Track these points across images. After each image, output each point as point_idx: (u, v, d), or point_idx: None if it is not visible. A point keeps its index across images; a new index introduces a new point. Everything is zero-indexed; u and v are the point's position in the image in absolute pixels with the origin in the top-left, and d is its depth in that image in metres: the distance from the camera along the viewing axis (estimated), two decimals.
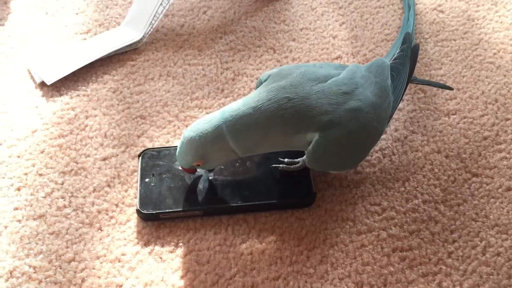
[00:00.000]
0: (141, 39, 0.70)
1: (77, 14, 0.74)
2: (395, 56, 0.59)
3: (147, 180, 0.56)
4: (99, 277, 0.50)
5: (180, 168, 0.57)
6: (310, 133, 0.50)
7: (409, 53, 0.59)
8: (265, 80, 0.54)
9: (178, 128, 0.62)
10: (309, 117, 0.50)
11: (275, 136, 0.51)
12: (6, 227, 0.53)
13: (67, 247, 0.52)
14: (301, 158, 0.57)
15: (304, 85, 0.51)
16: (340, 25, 0.74)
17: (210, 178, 0.56)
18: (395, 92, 0.56)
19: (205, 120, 0.51)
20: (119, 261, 0.51)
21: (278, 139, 0.51)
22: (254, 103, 0.50)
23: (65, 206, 0.55)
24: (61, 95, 0.65)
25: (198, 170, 0.55)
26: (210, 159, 0.52)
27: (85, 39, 0.71)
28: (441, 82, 0.67)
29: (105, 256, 0.52)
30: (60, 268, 0.51)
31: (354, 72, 0.54)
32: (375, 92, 0.53)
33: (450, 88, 0.64)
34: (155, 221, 0.54)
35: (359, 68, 0.55)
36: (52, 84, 0.65)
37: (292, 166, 0.56)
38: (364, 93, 0.52)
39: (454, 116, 0.64)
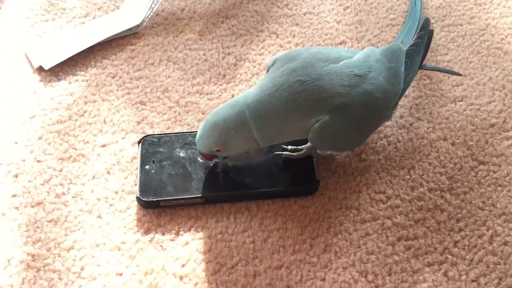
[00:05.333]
0: (140, 23, 0.68)
1: None
2: (411, 42, 0.58)
3: (147, 167, 0.55)
4: (98, 266, 0.49)
5: (180, 155, 0.56)
6: (322, 116, 0.49)
7: (425, 40, 0.58)
8: (272, 65, 0.52)
9: (179, 114, 0.61)
10: (322, 100, 0.49)
11: (293, 123, 0.49)
12: (3, 214, 0.52)
13: (66, 235, 0.51)
14: (304, 146, 0.55)
15: (315, 65, 0.50)
16: (344, 10, 0.72)
17: (211, 165, 0.55)
18: (406, 79, 0.55)
19: (228, 105, 0.50)
20: (119, 249, 0.50)
21: (296, 125, 0.50)
22: (269, 89, 0.49)
23: (63, 193, 0.54)
24: (59, 80, 0.63)
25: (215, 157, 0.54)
26: (231, 146, 0.50)
27: (83, 23, 0.69)
28: (447, 67, 0.66)
29: (104, 244, 0.51)
30: (59, 256, 0.50)
31: (368, 55, 0.53)
32: (388, 78, 0.52)
33: (459, 74, 0.62)
34: (156, 208, 0.53)
35: (374, 51, 0.54)
36: (50, 69, 0.64)
37: (295, 154, 0.55)
38: (377, 77, 0.51)
39: (461, 102, 0.62)
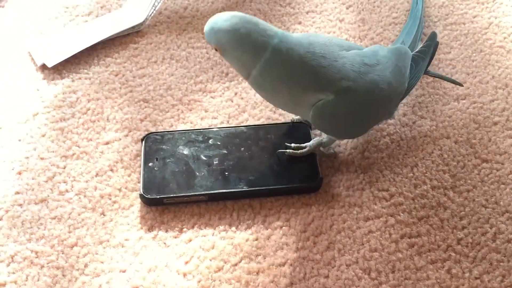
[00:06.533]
0: (143, 21, 0.68)
1: None
2: (418, 49, 0.59)
3: (150, 164, 0.55)
4: (102, 262, 0.49)
5: (184, 153, 0.56)
6: (326, 94, 0.49)
7: (431, 51, 0.59)
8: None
9: (182, 112, 0.61)
10: (332, 79, 0.49)
11: (297, 87, 0.49)
12: (7, 211, 0.52)
13: (69, 232, 0.51)
14: (308, 143, 0.56)
15: (333, 48, 0.50)
16: (347, 8, 0.72)
17: (215, 163, 0.55)
18: (410, 82, 0.56)
19: (263, 28, 0.47)
20: (122, 246, 0.51)
21: (296, 91, 0.49)
22: (304, 46, 0.48)
23: (67, 191, 0.54)
24: (62, 78, 0.63)
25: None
26: (229, 55, 0.49)
27: (86, 21, 0.69)
28: (450, 66, 0.66)
29: (108, 241, 0.51)
30: (63, 253, 0.50)
31: (376, 50, 0.54)
32: (394, 74, 0.53)
33: (460, 84, 0.62)
34: (159, 206, 0.53)
35: (382, 48, 0.55)
36: (53, 67, 0.64)
37: (298, 151, 0.55)
38: (384, 71, 0.52)
39: (464, 101, 0.62)
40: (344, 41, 0.54)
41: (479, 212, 0.53)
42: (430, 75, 0.62)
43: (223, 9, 0.71)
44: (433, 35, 0.60)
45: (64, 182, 0.54)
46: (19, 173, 0.55)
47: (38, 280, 0.48)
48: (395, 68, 0.53)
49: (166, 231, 0.52)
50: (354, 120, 0.52)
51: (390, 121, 0.60)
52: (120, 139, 0.58)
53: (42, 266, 0.49)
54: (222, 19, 0.48)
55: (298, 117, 0.59)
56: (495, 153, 0.58)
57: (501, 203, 0.54)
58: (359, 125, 0.53)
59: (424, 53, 0.58)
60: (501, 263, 0.50)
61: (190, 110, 0.61)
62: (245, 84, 0.64)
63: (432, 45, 0.59)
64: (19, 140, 0.58)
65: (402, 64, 0.54)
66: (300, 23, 0.70)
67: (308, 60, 0.48)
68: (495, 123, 0.60)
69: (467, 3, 0.73)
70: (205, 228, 0.52)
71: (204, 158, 0.55)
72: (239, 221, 0.52)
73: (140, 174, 0.55)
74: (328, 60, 0.49)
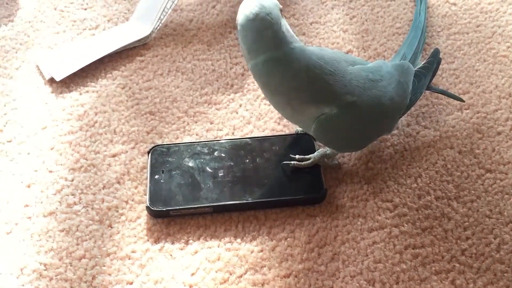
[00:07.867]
0: (149, 34, 0.69)
1: (85, 9, 0.73)
2: (421, 65, 0.60)
3: (156, 176, 0.56)
4: (109, 274, 0.50)
5: (189, 165, 0.56)
6: (330, 108, 0.50)
7: (434, 67, 0.60)
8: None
9: (188, 124, 0.62)
10: (338, 94, 0.49)
11: (293, 98, 0.49)
12: (16, 224, 0.53)
13: (77, 244, 0.52)
14: (312, 155, 0.56)
15: (341, 63, 0.51)
16: (351, 19, 0.73)
17: (221, 174, 0.56)
18: (412, 98, 0.56)
19: (272, 29, 0.47)
20: (129, 258, 0.51)
21: (294, 101, 0.50)
22: (318, 57, 0.49)
23: (75, 203, 0.55)
24: (70, 91, 0.64)
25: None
26: (239, 29, 0.48)
27: (93, 34, 0.70)
28: (453, 76, 0.66)
29: (115, 253, 0.52)
30: (71, 265, 0.51)
31: (380, 66, 0.54)
32: (397, 89, 0.53)
33: (462, 100, 0.62)
34: (165, 218, 0.54)
35: (386, 64, 0.55)
36: (61, 80, 0.65)
37: (303, 163, 0.56)
38: (387, 86, 0.52)
39: (467, 111, 0.63)
40: (349, 56, 0.55)
41: (483, 223, 0.54)
42: (432, 91, 0.62)
43: (228, 21, 0.72)
44: (436, 51, 0.61)
45: (72, 194, 0.55)
46: (28, 186, 0.56)
47: None
48: (398, 84, 0.54)
49: (173, 243, 0.52)
50: (355, 134, 0.53)
51: (394, 131, 0.60)
52: (127, 152, 0.59)
53: (51, 279, 0.50)
54: (256, 1, 0.47)
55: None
56: (499, 163, 0.58)
57: (505, 213, 0.54)
58: (360, 139, 0.54)
59: (427, 69, 0.59)
60: (505, 274, 0.50)
61: (196, 122, 0.62)
62: (250, 95, 0.64)
63: (434, 61, 0.60)
64: (28, 154, 0.59)
65: (404, 79, 0.55)
66: (304, 34, 0.71)
67: (317, 79, 0.49)
68: (499, 133, 0.61)
69: (470, 12, 0.73)
70: (210, 239, 0.53)
71: (209, 170, 0.56)
72: (244, 232, 0.53)
73: (146, 186, 0.55)
74: (336, 77, 0.49)
